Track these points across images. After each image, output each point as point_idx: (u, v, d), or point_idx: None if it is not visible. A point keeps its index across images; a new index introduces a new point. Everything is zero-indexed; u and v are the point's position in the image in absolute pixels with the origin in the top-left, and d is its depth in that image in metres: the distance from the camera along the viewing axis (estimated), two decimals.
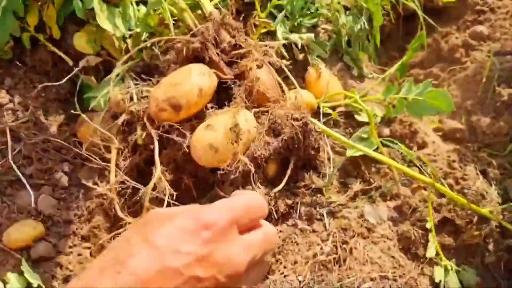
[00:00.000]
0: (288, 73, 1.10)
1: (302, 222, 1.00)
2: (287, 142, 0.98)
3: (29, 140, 1.11)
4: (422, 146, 1.18)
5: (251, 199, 0.70)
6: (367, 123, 1.15)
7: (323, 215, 0.99)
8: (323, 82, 1.20)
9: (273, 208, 0.98)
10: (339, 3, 1.34)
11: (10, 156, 1.08)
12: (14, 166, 1.06)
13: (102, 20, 1.12)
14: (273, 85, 1.06)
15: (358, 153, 1.10)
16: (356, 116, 1.21)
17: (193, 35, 1.06)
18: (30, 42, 1.22)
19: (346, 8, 1.39)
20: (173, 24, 1.13)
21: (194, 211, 0.63)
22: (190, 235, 0.60)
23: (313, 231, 0.98)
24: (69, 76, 1.14)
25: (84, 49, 1.19)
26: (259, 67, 1.04)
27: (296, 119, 0.99)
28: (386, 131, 1.18)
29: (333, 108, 1.21)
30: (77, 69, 1.16)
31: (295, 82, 1.10)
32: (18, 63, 1.23)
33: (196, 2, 1.13)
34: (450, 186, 1.08)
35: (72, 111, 1.10)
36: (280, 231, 0.99)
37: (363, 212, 0.99)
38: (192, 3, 1.14)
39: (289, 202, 1.01)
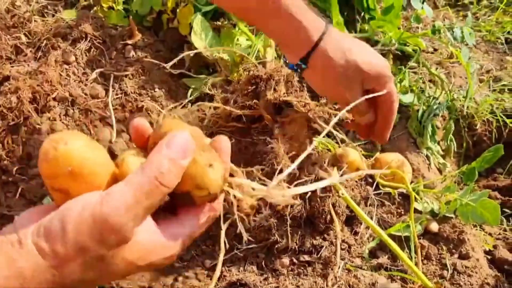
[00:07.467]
0: (345, 138, 1.21)
1: (317, 264, 1.03)
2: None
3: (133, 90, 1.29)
4: (464, 257, 1.16)
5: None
6: (420, 211, 1.18)
7: (338, 267, 1.02)
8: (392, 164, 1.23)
9: (298, 240, 1.04)
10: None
11: (110, 99, 1.25)
12: (111, 108, 1.23)
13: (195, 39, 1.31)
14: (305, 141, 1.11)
15: (398, 233, 1.12)
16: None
17: (263, 64, 1.17)
18: (167, 24, 1.43)
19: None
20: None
21: None
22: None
23: (323, 275, 1.01)
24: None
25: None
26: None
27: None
28: (435, 227, 1.18)
29: (396, 187, 1.23)
30: None
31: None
32: (153, 32, 1.43)
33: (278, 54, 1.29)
34: None
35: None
36: (294, 263, 1.04)
37: (376, 282, 1.00)
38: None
39: (316, 242, 1.06)
